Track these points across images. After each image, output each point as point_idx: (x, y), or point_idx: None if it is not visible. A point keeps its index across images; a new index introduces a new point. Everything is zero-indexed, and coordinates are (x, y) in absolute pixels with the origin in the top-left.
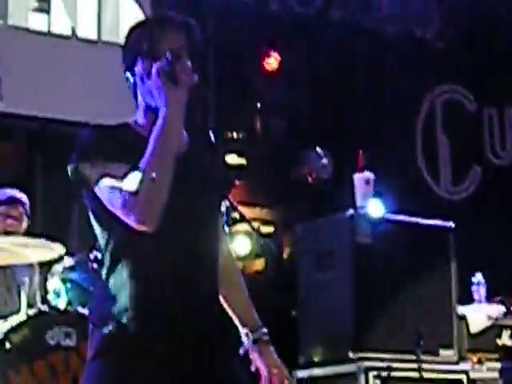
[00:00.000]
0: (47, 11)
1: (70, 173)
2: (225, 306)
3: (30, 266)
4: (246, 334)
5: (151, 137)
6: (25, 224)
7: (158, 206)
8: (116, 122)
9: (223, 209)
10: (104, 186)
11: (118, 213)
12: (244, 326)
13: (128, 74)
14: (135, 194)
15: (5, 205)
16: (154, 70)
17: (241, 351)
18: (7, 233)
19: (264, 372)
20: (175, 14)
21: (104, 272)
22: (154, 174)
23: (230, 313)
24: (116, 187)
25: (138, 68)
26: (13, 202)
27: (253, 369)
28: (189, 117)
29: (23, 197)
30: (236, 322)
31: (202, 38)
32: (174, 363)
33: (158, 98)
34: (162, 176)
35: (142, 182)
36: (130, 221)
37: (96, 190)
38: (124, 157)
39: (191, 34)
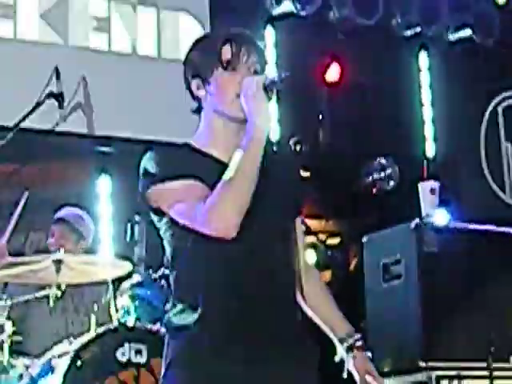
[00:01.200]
0: (107, 30)
1: (139, 199)
2: (315, 319)
3: (100, 285)
4: (340, 341)
5: (239, 147)
6: (73, 242)
7: (239, 214)
8: (178, 141)
9: None
10: (182, 207)
11: (196, 225)
12: (336, 334)
13: (196, 84)
14: (215, 202)
15: (54, 225)
16: (253, 82)
17: (336, 359)
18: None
19: (357, 377)
20: (245, 31)
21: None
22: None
23: (322, 325)
24: (195, 200)
25: (215, 79)
26: (56, 221)
27: (345, 375)
28: None
29: (69, 215)
30: (328, 332)
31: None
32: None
33: (249, 109)
34: (245, 186)
35: (225, 190)
36: (209, 230)
37: (170, 212)
38: (190, 173)
39: (261, 51)
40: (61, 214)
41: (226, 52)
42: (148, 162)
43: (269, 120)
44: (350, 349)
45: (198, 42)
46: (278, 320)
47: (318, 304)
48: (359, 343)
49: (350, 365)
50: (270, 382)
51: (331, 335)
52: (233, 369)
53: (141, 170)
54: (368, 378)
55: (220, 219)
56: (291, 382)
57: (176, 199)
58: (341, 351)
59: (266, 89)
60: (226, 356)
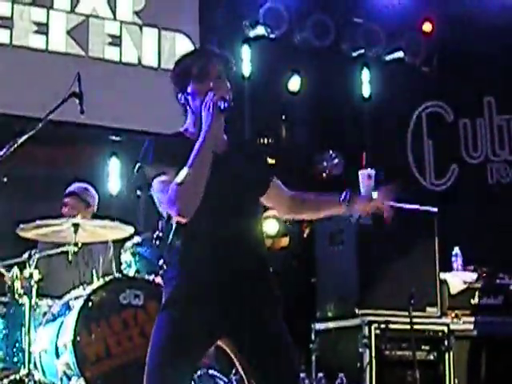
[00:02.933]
0: (119, 45)
1: (135, 171)
2: (315, 215)
3: (106, 243)
4: (340, 203)
5: (194, 148)
6: (82, 211)
7: (193, 201)
8: (172, 132)
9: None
10: (157, 185)
11: (165, 207)
12: (335, 201)
13: (179, 94)
14: (180, 184)
15: (64, 196)
16: (210, 100)
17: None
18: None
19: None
20: (213, 48)
21: (166, 247)
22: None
23: (320, 213)
24: (165, 186)
25: (190, 90)
26: (68, 194)
27: (353, 220)
28: (230, 125)
29: (78, 188)
30: (329, 212)
31: (235, 67)
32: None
33: (204, 118)
34: (197, 180)
35: (186, 175)
36: (172, 212)
37: (153, 186)
38: (180, 159)
39: (228, 62)
40: (70, 188)
41: (194, 68)
42: (149, 146)
43: (218, 128)
44: (348, 200)
45: (176, 61)
46: (250, 276)
47: (302, 206)
48: (349, 196)
49: (354, 208)
50: (242, 321)
51: (332, 207)
52: (207, 309)
53: (143, 150)
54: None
55: (178, 209)
56: (263, 321)
57: (157, 184)
58: (344, 209)
59: (219, 108)
60: (200, 302)
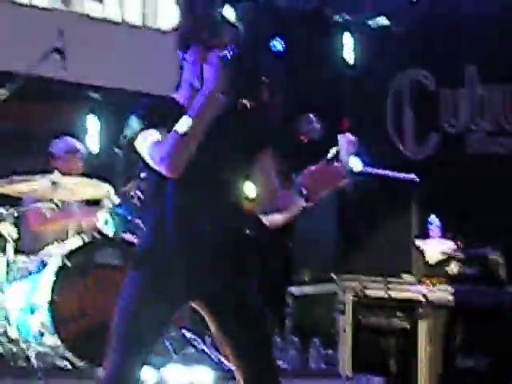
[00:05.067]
0: (101, 1)
1: (122, 137)
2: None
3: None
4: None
5: (193, 104)
6: (80, 169)
7: (185, 159)
8: (161, 92)
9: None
10: (145, 144)
11: (153, 163)
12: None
13: (179, 53)
14: (168, 148)
15: (67, 153)
16: (214, 55)
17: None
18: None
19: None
20: (222, 12)
21: (143, 207)
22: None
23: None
24: (155, 145)
25: (192, 53)
26: (72, 151)
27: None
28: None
29: (80, 146)
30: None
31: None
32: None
33: (208, 76)
34: (192, 137)
35: (176, 139)
36: (161, 169)
37: (136, 144)
38: (170, 124)
39: (237, 29)
40: (70, 143)
41: (202, 33)
42: (134, 114)
43: (222, 86)
44: (299, 189)
45: (184, 19)
46: (226, 240)
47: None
48: (296, 185)
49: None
50: (216, 286)
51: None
52: (180, 272)
53: (129, 119)
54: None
55: (169, 167)
56: (237, 289)
57: (143, 143)
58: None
59: (223, 59)
60: (174, 264)
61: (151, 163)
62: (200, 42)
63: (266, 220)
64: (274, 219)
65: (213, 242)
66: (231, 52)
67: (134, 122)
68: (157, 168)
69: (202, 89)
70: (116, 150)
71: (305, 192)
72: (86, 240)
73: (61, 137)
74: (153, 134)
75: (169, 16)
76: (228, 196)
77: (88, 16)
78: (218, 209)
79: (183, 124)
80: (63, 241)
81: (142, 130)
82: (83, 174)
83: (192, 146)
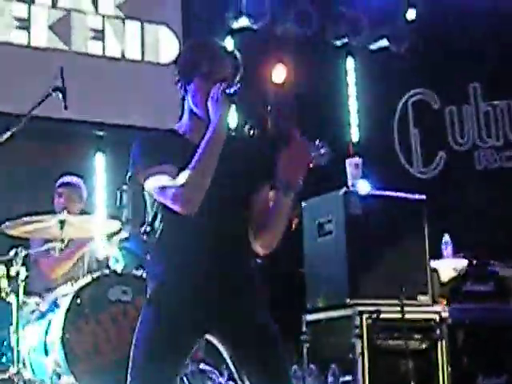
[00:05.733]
0: (102, 39)
1: (127, 178)
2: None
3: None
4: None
5: (203, 141)
6: (77, 203)
7: (200, 196)
8: (164, 125)
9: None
10: (155, 182)
11: (167, 202)
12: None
13: (180, 86)
14: (182, 186)
15: (61, 188)
16: (218, 90)
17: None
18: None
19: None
20: (222, 44)
21: (153, 242)
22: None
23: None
24: (165, 184)
25: (194, 84)
26: (64, 185)
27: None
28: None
29: (75, 181)
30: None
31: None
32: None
33: (213, 111)
34: (206, 174)
35: (190, 177)
36: (176, 208)
37: (145, 184)
38: (174, 157)
39: (237, 61)
40: (65, 179)
41: (205, 65)
42: (135, 151)
43: (226, 119)
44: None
45: (185, 50)
46: (235, 273)
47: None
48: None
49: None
50: (229, 316)
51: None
52: (193, 305)
53: (131, 157)
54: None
55: (184, 203)
56: (249, 316)
57: (154, 183)
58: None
59: (228, 95)
60: (187, 298)
61: (165, 201)
62: (201, 74)
63: (268, 236)
64: (274, 229)
65: (223, 275)
66: (236, 88)
67: (137, 158)
68: (170, 206)
69: (210, 124)
70: (124, 186)
71: (283, 180)
72: (96, 277)
73: (60, 177)
74: (164, 173)
75: (169, 49)
76: (235, 226)
77: (87, 54)
78: (226, 242)
79: (194, 161)
80: (76, 281)
81: (146, 165)
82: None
83: (205, 181)
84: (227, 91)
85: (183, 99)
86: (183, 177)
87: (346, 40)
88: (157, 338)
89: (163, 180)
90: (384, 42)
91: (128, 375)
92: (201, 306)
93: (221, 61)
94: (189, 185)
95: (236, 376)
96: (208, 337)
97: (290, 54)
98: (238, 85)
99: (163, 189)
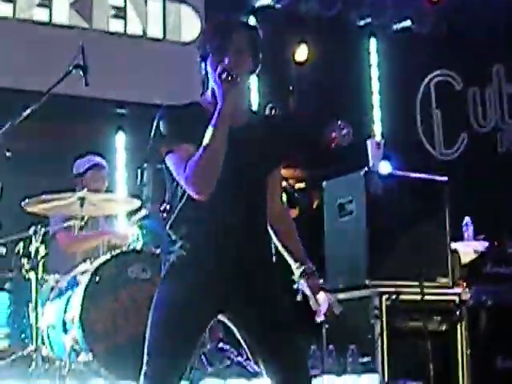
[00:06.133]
0: (123, 17)
1: (148, 148)
2: (280, 247)
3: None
4: (297, 267)
5: (209, 126)
6: (106, 184)
7: (210, 181)
8: (185, 102)
9: None
10: (172, 159)
11: (181, 182)
12: (296, 261)
13: (203, 64)
14: (191, 170)
15: (91, 170)
16: (216, 72)
17: (294, 286)
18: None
19: (309, 293)
20: (239, 18)
21: (170, 220)
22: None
23: (282, 249)
24: (180, 163)
25: (209, 61)
26: (97, 167)
27: (299, 298)
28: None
29: (104, 162)
30: (287, 256)
31: (259, 36)
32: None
33: (218, 93)
34: (213, 159)
35: (198, 162)
36: (190, 191)
37: (166, 160)
38: (194, 131)
39: (252, 33)
40: (96, 160)
41: (215, 40)
42: (160, 123)
43: (233, 101)
44: (305, 273)
45: (203, 32)
46: (251, 255)
47: (283, 237)
48: (312, 270)
49: (304, 286)
50: (244, 299)
51: (289, 259)
52: (210, 284)
53: (153, 129)
54: (321, 293)
55: (195, 188)
56: (265, 298)
57: (173, 159)
58: (297, 275)
59: (227, 76)
60: (204, 276)
61: (180, 182)
62: (215, 50)
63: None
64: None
65: (239, 257)
66: (233, 75)
67: (158, 134)
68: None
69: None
70: (144, 164)
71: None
72: (115, 254)
73: (85, 156)
74: (177, 154)
75: (191, 28)
76: (252, 209)
77: (109, 32)
78: (242, 224)
79: (202, 147)
80: (95, 258)
81: (166, 140)
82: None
83: (213, 166)
84: (224, 77)
85: (206, 75)
86: (193, 161)
87: (369, 20)
88: (172, 315)
89: (181, 159)
90: (407, 23)
91: (145, 352)
92: (216, 285)
93: (230, 33)
94: (197, 169)
95: (251, 357)
96: (222, 318)
97: (313, 34)
98: (244, 75)
99: (179, 169)
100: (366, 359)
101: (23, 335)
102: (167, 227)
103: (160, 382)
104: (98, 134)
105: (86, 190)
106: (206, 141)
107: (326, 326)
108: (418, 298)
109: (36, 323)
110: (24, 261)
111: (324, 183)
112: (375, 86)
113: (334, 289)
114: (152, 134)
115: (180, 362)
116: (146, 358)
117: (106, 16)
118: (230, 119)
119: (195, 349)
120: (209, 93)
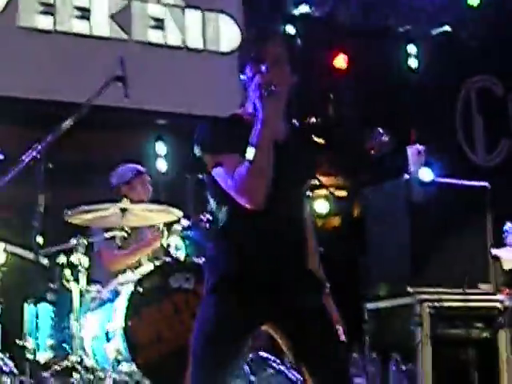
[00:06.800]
0: (162, 28)
1: (195, 158)
2: None
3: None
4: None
5: (253, 136)
6: (151, 191)
7: (262, 189)
8: (225, 112)
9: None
10: (221, 171)
11: (232, 193)
12: None
13: (242, 76)
14: (242, 180)
15: (137, 178)
16: (254, 83)
17: None
18: (137, 201)
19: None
20: (277, 28)
21: (214, 232)
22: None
23: None
24: (230, 173)
25: (247, 71)
26: (142, 174)
27: None
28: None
29: (145, 170)
30: None
31: (296, 45)
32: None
33: (258, 105)
34: (260, 169)
35: (255, 154)
36: (242, 201)
37: (213, 172)
38: (236, 143)
39: (290, 42)
40: (140, 167)
41: (253, 51)
42: (203, 136)
43: (275, 114)
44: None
45: (243, 41)
46: (296, 269)
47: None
48: (328, 290)
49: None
50: (287, 307)
51: None
52: (252, 294)
53: (199, 138)
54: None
55: (248, 198)
56: (306, 307)
57: (221, 170)
58: None
59: (266, 87)
60: (247, 287)
61: (231, 193)
62: (253, 60)
63: None
64: None
65: (285, 271)
66: (272, 87)
67: (205, 144)
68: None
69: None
70: (186, 175)
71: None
72: (158, 264)
73: (122, 165)
74: (227, 160)
75: (230, 38)
76: (297, 224)
77: (148, 43)
78: (289, 238)
79: (249, 153)
80: (136, 268)
81: (209, 151)
82: (153, 200)
83: (262, 173)
84: (264, 89)
85: (245, 85)
86: (241, 170)
87: (408, 27)
88: (218, 326)
89: (230, 170)
90: (447, 28)
91: (190, 363)
92: (260, 296)
93: (268, 43)
94: (248, 179)
95: (296, 367)
96: (265, 327)
97: (352, 41)
98: (283, 87)
99: (228, 180)
100: (409, 366)
101: (66, 346)
102: (209, 238)
103: None
104: (138, 145)
105: (126, 199)
106: (250, 155)
107: (369, 333)
108: (461, 304)
109: (78, 334)
110: (66, 272)
111: (365, 191)
112: (415, 92)
113: (374, 296)
114: (195, 145)
115: (222, 371)
116: (189, 367)
117: (145, 27)
118: (271, 131)
119: (239, 358)
120: (249, 104)
